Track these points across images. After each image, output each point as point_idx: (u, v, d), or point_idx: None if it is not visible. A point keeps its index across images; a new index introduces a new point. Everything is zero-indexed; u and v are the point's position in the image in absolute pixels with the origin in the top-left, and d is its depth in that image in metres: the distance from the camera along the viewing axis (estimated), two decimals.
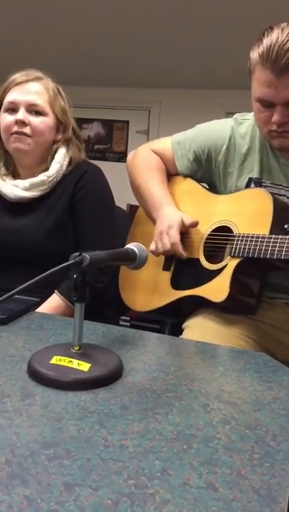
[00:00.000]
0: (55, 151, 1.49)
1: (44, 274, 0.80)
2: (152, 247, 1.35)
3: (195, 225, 1.34)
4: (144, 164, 1.51)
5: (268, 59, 1.14)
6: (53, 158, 1.48)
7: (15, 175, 1.53)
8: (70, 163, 1.49)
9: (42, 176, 1.45)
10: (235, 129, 1.38)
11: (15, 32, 3.88)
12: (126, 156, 4.87)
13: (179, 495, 0.52)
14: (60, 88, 1.52)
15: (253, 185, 1.33)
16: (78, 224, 1.46)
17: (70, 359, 0.80)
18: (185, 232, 1.35)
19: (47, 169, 1.46)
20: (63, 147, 1.50)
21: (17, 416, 0.66)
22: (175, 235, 1.31)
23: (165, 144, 1.52)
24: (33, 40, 3.89)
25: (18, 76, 1.46)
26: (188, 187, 1.47)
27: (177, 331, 1.34)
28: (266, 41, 1.15)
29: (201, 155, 1.43)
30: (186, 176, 1.49)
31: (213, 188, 1.45)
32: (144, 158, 1.53)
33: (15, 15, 3.63)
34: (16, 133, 1.42)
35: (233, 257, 1.22)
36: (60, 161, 1.47)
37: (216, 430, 0.67)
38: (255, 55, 1.18)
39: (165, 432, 0.65)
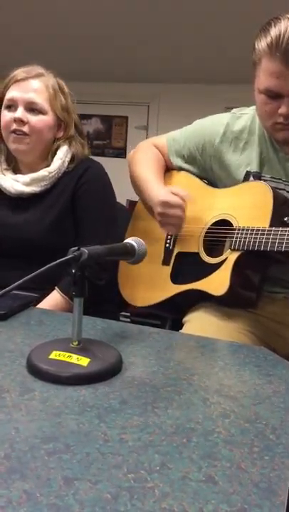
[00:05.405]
0: (57, 149, 1.48)
1: (42, 268, 0.80)
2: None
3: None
4: (143, 157, 1.51)
5: (278, 49, 1.11)
6: (54, 155, 1.47)
7: (16, 170, 1.53)
8: (72, 160, 1.48)
9: (43, 172, 1.44)
10: (231, 124, 1.37)
11: (14, 27, 3.87)
12: (125, 151, 4.87)
13: (178, 488, 0.52)
14: (63, 83, 1.50)
15: (251, 178, 1.32)
16: (79, 220, 1.46)
17: (69, 354, 0.80)
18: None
19: (48, 166, 1.46)
20: (65, 144, 1.49)
21: (16, 411, 0.66)
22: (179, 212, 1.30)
23: (163, 139, 1.52)
24: (32, 36, 3.88)
25: (18, 72, 1.45)
26: (186, 181, 1.46)
27: (178, 327, 1.33)
28: (274, 31, 1.12)
29: (195, 151, 1.43)
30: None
31: (211, 183, 1.45)
32: (144, 152, 1.53)
33: (14, 10, 3.62)
34: (15, 131, 1.42)
35: (233, 250, 1.22)
36: (62, 157, 1.46)
37: (216, 424, 0.66)
38: (262, 45, 1.15)
39: (164, 425, 0.65)
